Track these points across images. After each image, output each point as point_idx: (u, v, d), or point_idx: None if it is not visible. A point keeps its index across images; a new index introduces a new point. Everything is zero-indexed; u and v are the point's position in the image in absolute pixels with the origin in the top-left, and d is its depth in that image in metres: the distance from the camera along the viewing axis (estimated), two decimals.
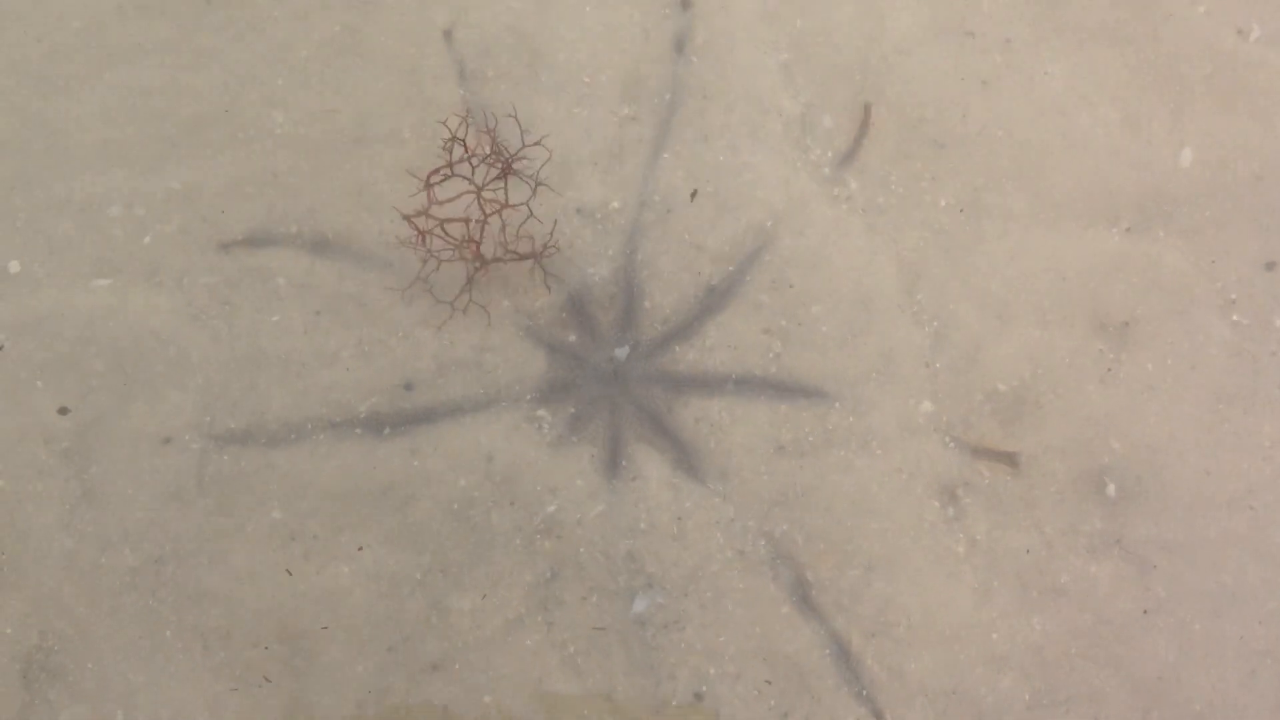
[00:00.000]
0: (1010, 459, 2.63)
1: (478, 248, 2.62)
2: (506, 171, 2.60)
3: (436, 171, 2.59)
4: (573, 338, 2.71)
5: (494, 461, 2.60)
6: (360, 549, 2.55)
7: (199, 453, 2.61)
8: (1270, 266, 2.80)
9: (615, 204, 2.81)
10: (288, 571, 2.54)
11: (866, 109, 2.90)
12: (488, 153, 2.64)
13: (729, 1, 2.97)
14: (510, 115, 2.79)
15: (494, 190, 2.63)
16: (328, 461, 2.60)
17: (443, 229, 2.58)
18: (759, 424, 2.64)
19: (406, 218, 2.61)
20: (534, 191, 2.67)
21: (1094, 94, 2.92)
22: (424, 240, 2.61)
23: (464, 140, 2.61)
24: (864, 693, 2.50)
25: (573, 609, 2.53)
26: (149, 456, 2.61)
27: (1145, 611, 2.55)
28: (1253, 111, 2.91)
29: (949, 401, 2.68)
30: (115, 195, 2.79)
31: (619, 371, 2.70)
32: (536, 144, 2.74)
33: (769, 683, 2.50)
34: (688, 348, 2.71)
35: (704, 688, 2.50)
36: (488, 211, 2.60)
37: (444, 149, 2.62)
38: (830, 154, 2.87)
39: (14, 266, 2.73)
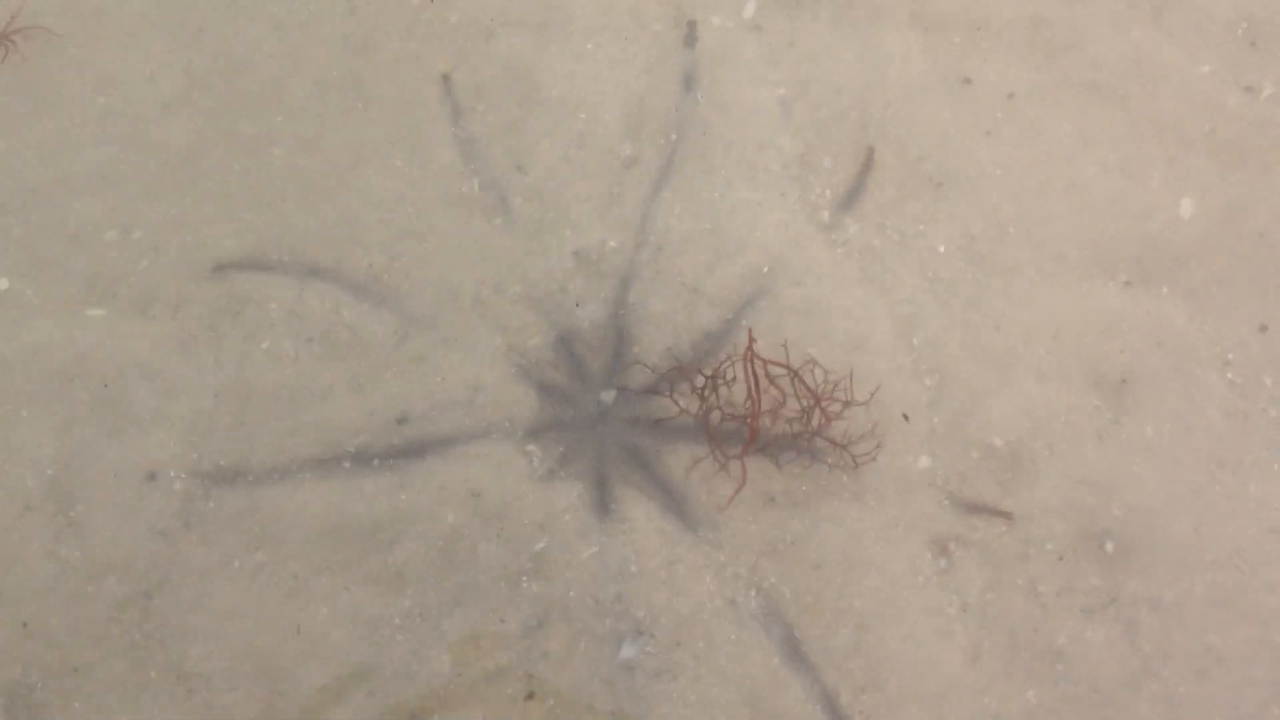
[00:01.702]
0: (1006, 517, 2.63)
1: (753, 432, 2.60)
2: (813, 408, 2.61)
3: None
4: (563, 379, 2.69)
5: (482, 496, 2.58)
6: (343, 590, 2.53)
7: (183, 490, 2.58)
8: (1264, 329, 2.80)
9: (612, 243, 2.79)
10: (268, 613, 2.51)
11: (869, 153, 2.89)
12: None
13: (730, 41, 2.96)
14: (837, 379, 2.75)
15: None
16: (313, 500, 2.57)
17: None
18: (750, 474, 2.63)
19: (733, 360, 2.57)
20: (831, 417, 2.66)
21: (1096, 147, 2.92)
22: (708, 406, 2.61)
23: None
24: None
25: (559, 657, 2.51)
26: (133, 492, 2.58)
27: (1133, 673, 2.55)
28: (1259, 169, 2.92)
29: (945, 456, 2.67)
30: (111, 220, 2.77)
31: (606, 416, 2.68)
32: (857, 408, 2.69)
33: None
34: (678, 394, 2.69)
35: None
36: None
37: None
38: (829, 194, 2.86)
39: (2, 284, 2.71)
